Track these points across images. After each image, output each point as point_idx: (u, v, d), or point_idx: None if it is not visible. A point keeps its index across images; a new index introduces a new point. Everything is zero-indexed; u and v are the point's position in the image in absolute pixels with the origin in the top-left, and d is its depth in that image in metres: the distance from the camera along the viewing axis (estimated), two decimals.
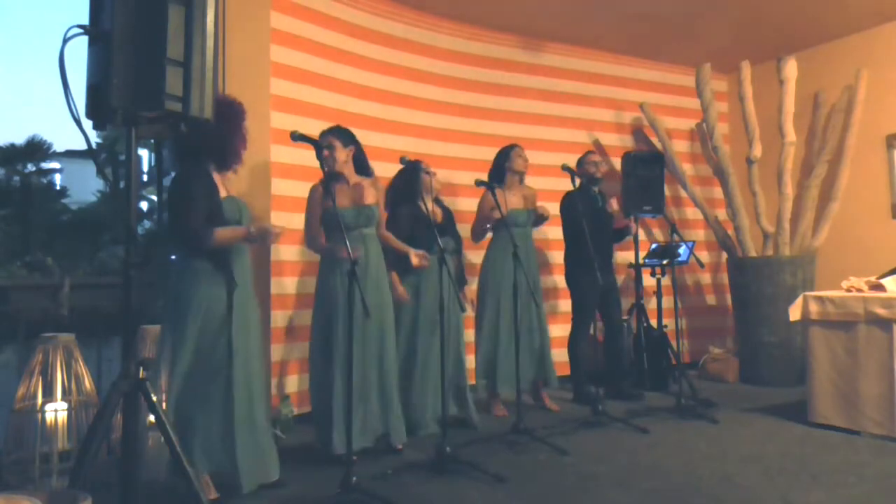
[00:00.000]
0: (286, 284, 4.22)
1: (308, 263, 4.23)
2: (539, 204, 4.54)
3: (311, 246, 3.58)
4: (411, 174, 3.87)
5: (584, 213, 4.13)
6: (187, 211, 2.73)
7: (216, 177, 2.89)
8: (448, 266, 3.27)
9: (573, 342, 4.75)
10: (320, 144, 2.90)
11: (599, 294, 4.55)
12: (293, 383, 4.19)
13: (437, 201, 4.16)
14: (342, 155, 3.44)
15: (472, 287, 4.55)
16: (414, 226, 3.89)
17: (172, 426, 2.70)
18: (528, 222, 4.49)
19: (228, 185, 2.99)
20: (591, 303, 4.63)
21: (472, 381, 4.33)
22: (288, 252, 4.19)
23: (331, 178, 3.30)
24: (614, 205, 4.74)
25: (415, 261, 3.69)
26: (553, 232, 5.12)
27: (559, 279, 5.33)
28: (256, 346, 2.93)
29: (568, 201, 4.68)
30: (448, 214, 4.24)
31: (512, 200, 4.40)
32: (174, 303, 2.77)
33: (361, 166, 3.55)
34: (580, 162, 4.86)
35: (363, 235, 3.44)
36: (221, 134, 2.78)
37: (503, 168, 4.50)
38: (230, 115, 2.85)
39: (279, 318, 4.14)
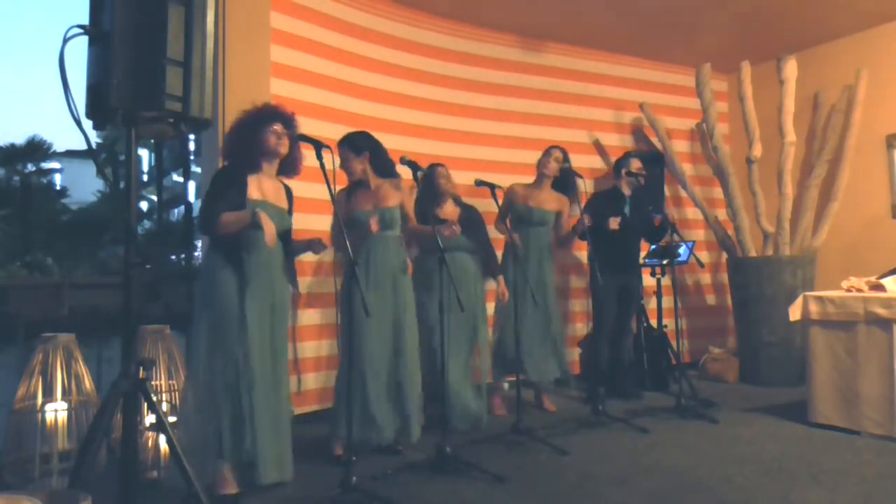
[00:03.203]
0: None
1: (309, 264, 4.23)
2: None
3: (336, 247, 3.57)
4: (426, 179, 3.87)
5: (603, 216, 4.11)
6: (206, 200, 2.89)
7: (252, 179, 2.92)
8: (447, 265, 3.24)
9: (590, 343, 4.73)
10: (320, 144, 2.90)
11: (616, 295, 4.55)
12: (293, 383, 4.17)
13: (455, 200, 4.15)
14: (357, 165, 3.50)
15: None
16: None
17: (188, 419, 2.79)
18: (550, 223, 4.48)
19: (269, 190, 2.98)
20: (605, 303, 4.58)
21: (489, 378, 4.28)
22: None
23: (355, 185, 3.51)
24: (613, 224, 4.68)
25: (445, 232, 3.65)
26: None
27: (573, 279, 5.39)
28: (280, 341, 2.99)
29: (590, 203, 4.66)
30: (468, 213, 4.17)
31: (540, 199, 4.42)
32: (201, 300, 2.90)
33: (384, 168, 3.55)
34: (622, 165, 4.75)
35: (384, 238, 3.47)
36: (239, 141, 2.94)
37: (538, 167, 4.51)
38: (245, 123, 2.95)
39: None
